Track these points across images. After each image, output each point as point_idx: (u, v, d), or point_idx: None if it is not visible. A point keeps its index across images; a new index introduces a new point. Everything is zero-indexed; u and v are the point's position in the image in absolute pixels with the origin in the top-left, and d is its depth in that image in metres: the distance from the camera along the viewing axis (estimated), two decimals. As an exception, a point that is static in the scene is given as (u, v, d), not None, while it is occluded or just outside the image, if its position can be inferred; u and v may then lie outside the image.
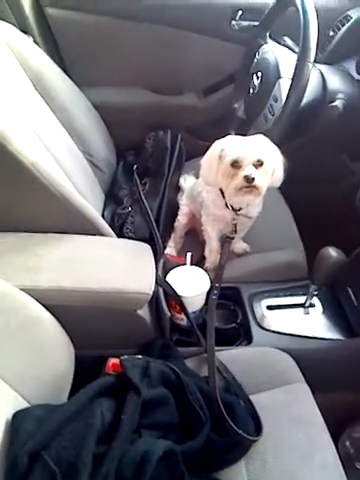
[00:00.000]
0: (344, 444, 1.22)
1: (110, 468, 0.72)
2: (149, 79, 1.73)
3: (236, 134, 1.39)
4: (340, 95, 1.20)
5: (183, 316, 1.14)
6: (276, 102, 1.20)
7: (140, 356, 0.93)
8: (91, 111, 1.63)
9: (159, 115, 1.76)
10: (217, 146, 1.14)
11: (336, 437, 1.20)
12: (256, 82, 1.31)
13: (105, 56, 1.66)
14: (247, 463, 0.88)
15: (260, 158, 1.09)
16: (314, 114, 1.21)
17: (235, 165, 1.09)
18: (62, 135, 1.34)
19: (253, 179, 1.07)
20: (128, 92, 1.74)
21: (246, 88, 1.38)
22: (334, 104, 1.17)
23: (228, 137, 1.15)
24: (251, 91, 1.34)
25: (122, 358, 0.88)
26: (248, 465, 0.88)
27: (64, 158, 1.22)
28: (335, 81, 1.24)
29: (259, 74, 1.30)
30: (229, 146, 1.11)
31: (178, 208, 1.50)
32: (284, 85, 1.18)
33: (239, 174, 1.09)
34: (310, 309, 1.25)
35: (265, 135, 1.15)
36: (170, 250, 1.43)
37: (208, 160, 1.16)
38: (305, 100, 1.14)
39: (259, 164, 1.09)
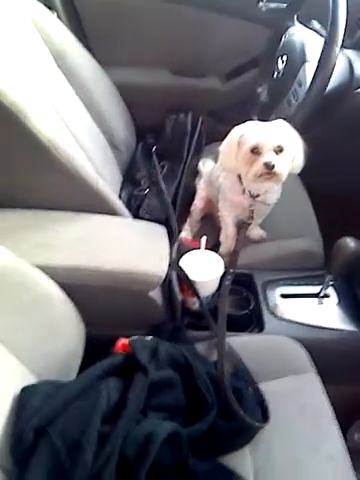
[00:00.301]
0: (352, 436, 1.21)
1: (114, 447, 0.72)
2: (172, 60, 1.71)
3: (258, 119, 1.38)
4: (368, 81, 1.17)
5: (195, 300, 1.14)
6: (300, 87, 1.18)
7: (150, 337, 0.93)
8: (112, 90, 1.62)
9: (180, 97, 1.74)
10: (237, 132, 1.12)
11: (345, 429, 1.20)
12: (281, 66, 1.29)
13: (128, 35, 1.64)
14: (252, 450, 0.88)
15: (280, 144, 1.07)
16: (339, 100, 1.18)
17: (255, 151, 1.07)
18: (82, 113, 1.33)
19: (273, 166, 1.06)
20: (150, 73, 1.73)
21: (270, 72, 1.36)
22: (360, 91, 1.15)
23: (248, 122, 1.13)
24: (275, 75, 1.32)
25: (131, 338, 0.89)
26: (253, 452, 0.88)
27: (83, 136, 1.21)
28: (363, 67, 1.21)
29: (284, 57, 1.27)
30: (249, 132, 1.09)
31: (195, 192, 1.48)
32: (310, 69, 1.16)
33: (259, 160, 1.07)
34: (325, 299, 1.23)
35: (288, 120, 1.13)
36: (186, 234, 1.42)
37: (227, 146, 1.14)
38: (331, 85, 1.12)
39: (279, 150, 1.07)
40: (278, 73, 1.30)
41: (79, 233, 1.03)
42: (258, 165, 1.07)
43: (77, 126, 1.20)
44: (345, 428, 1.20)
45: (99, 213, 1.09)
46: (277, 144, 1.06)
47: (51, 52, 1.26)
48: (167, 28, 1.63)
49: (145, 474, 0.71)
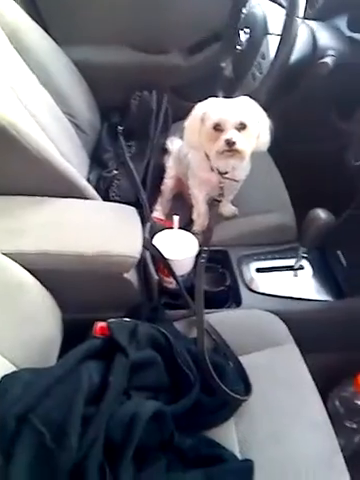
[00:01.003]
0: (333, 403, 1.24)
1: (99, 429, 0.72)
2: (132, 37, 1.67)
3: (223, 95, 1.36)
4: (330, 52, 1.17)
5: (172, 279, 1.13)
6: (264, 59, 1.17)
7: (128, 319, 0.92)
8: (72, 70, 1.58)
9: (143, 75, 1.70)
10: (199, 108, 1.11)
11: (325, 396, 1.23)
12: (243, 39, 1.26)
13: (85, 12, 1.60)
14: (237, 422, 0.89)
15: (243, 121, 1.06)
16: (303, 71, 1.18)
17: (217, 128, 1.07)
18: (42, 95, 1.29)
19: (234, 143, 1.05)
20: (111, 50, 1.68)
21: (233, 46, 1.34)
22: (324, 61, 1.14)
23: (210, 99, 1.12)
24: (238, 48, 1.30)
25: (109, 321, 0.88)
26: (238, 424, 0.89)
27: (45, 119, 1.17)
28: (325, 38, 1.21)
29: (246, 30, 1.25)
30: (211, 109, 1.08)
31: (165, 171, 1.47)
32: (272, 42, 1.15)
33: (221, 138, 1.06)
34: (299, 271, 1.25)
35: (253, 94, 1.12)
36: (157, 213, 1.41)
37: (191, 123, 1.13)
38: (294, 57, 1.11)
39: (242, 127, 1.06)
40: (241, 46, 1.28)
41: (48, 218, 1.01)
42: (220, 142, 1.06)
43: (38, 108, 1.16)
44: (325, 395, 1.23)
45: (68, 197, 1.07)
46: (239, 121, 1.06)
47: (5, 32, 1.20)
48: (125, 3, 1.59)
49: (132, 453, 0.71)
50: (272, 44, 1.15)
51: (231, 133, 1.05)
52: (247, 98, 1.10)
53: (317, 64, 1.15)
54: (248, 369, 0.96)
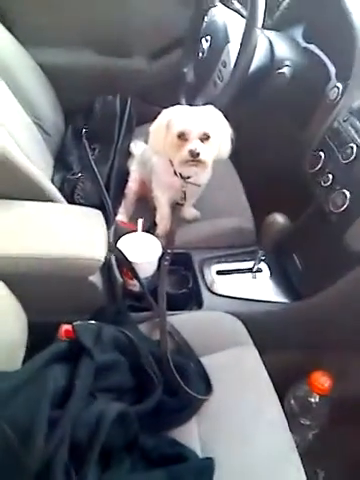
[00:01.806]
0: (289, 401, 1.28)
1: (65, 430, 0.73)
2: (95, 40, 1.68)
3: (186, 100, 1.39)
4: (287, 62, 1.21)
5: (135, 282, 1.15)
6: (225, 67, 1.20)
7: (93, 322, 0.94)
8: (37, 72, 1.57)
9: (107, 78, 1.71)
10: (165, 115, 1.13)
11: (282, 395, 1.27)
12: (205, 46, 1.30)
13: (51, 14, 1.59)
14: (199, 422, 0.92)
15: (206, 132, 1.09)
16: (262, 81, 1.22)
17: (182, 137, 1.10)
18: (6, 96, 1.27)
19: (198, 154, 1.08)
20: (75, 53, 1.68)
21: (195, 52, 1.37)
22: (281, 71, 1.19)
23: (176, 107, 1.15)
24: (200, 55, 1.33)
25: (74, 324, 0.89)
26: (199, 424, 0.92)
27: (8, 120, 1.16)
28: (282, 48, 1.25)
29: (208, 38, 1.28)
30: (176, 117, 1.11)
31: (128, 174, 1.48)
32: (233, 50, 1.18)
33: (185, 147, 1.09)
34: (258, 274, 1.29)
35: (214, 101, 1.15)
36: (121, 217, 1.42)
37: (156, 129, 1.15)
38: (253, 67, 1.15)
39: (205, 138, 1.10)
40: (203, 54, 1.31)
41: (12, 221, 1.01)
42: (184, 152, 1.09)
43: (3, 111, 1.15)
44: (282, 393, 1.28)
45: (32, 199, 1.07)
46: (203, 131, 1.09)
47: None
48: (89, 7, 1.59)
49: (97, 454, 0.73)
50: (233, 53, 1.18)
51: (195, 143, 1.08)
52: (211, 107, 1.13)
53: (275, 75, 1.20)
54: (209, 369, 0.99)
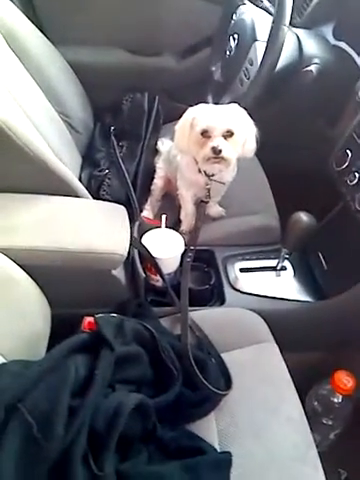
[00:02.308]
0: (311, 400, 1.27)
1: (84, 420, 0.74)
2: (126, 39, 1.70)
3: (213, 98, 1.40)
4: (315, 60, 1.21)
5: (158, 277, 1.16)
6: (251, 65, 1.20)
7: (115, 314, 0.95)
8: (68, 71, 1.60)
9: (136, 77, 1.73)
10: (189, 114, 1.14)
11: (304, 394, 1.27)
12: (233, 44, 1.30)
13: (81, 14, 1.62)
14: (217, 416, 0.93)
15: (230, 129, 1.09)
16: (289, 79, 1.21)
17: (205, 134, 1.10)
18: (37, 94, 1.31)
19: (220, 151, 1.08)
20: (105, 52, 1.71)
21: (223, 51, 1.37)
22: (308, 69, 1.18)
23: (200, 105, 1.15)
24: (228, 53, 1.33)
25: (96, 316, 0.90)
26: (218, 418, 0.92)
27: (39, 118, 1.20)
28: (311, 46, 1.25)
29: (236, 36, 1.29)
30: (200, 114, 1.11)
31: (155, 171, 1.50)
32: (260, 48, 1.18)
33: (207, 144, 1.10)
34: (281, 272, 1.29)
35: (240, 99, 1.15)
36: (147, 213, 1.44)
37: (180, 127, 1.16)
38: (280, 64, 1.15)
39: (229, 135, 1.10)
40: (230, 52, 1.32)
41: (39, 215, 1.03)
42: (206, 149, 1.10)
43: (32, 107, 1.18)
44: (304, 393, 1.27)
45: (59, 195, 1.09)
46: (226, 128, 1.09)
47: (2, 33, 1.23)
48: (120, 6, 1.61)
49: (115, 444, 0.74)
50: (260, 51, 1.18)
51: (218, 141, 1.08)
52: (236, 105, 1.13)
53: (302, 72, 1.19)
54: (229, 365, 0.99)
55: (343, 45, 1.31)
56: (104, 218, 1.08)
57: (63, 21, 1.62)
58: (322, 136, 1.37)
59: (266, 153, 1.30)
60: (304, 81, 1.20)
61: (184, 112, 1.16)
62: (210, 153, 1.09)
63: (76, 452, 0.72)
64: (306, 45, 1.23)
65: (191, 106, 1.16)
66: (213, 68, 1.45)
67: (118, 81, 1.72)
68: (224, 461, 0.83)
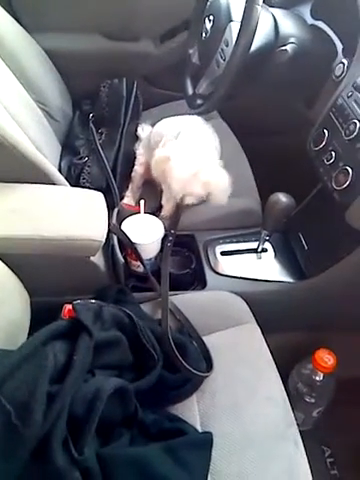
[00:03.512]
0: (294, 380, 1.29)
1: (63, 405, 0.74)
2: (103, 24, 1.67)
3: (192, 82, 1.38)
4: (292, 39, 1.19)
5: (139, 263, 1.16)
6: (227, 46, 1.18)
7: (93, 301, 0.95)
8: (44, 58, 1.57)
9: (115, 62, 1.71)
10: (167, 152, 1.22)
11: (286, 374, 1.28)
12: (208, 26, 1.28)
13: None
14: (198, 398, 0.94)
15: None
16: (265, 59, 1.20)
17: None
18: (12, 82, 1.29)
19: None
20: (82, 38, 1.68)
21: (199, 32, 1.35)
22: (284, 48, 1.17)
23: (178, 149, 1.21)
24: (204, 35, 1.32)
25: (75, 303, 0.90)
26: (199, 400, 0.93)
27: (15, 106, 1.17)
28: (288, 25, 1.23)
29: (211, 17, 1.27)
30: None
31: (135, 158, 1.49)
32: (235, 29, 1.16)
33: None
34: (262, 254, 1.29)
35: (217, 81, 1.14)
36: (128, 200, 1.43)
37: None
38: (256, 44, 1.13)
39: None
40: (206, 34, 1.30)
41: (15, 203, 1.01)
42: None
43: (7, 96, 1.15)
44: (286, 373, 1.29)
45: (35, 183, 1.08)
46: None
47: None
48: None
49: (95, 428, 0.75)
50: (235, 31, 1.16)
51: None
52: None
53: (277, 52, 1.18)
54: (211, 347, 1.00)
55: (321, 24, 1.30)
56: (81, 205, 1.07)
57: (37, 7, 1.58)
58: (301, 117, 1.37)
59: (248, 136, 1.29)
60: (280, 61, 1.18)
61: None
62: None
63: (56, 437, 0.72)
64: (282, 25, 1.21)
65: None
66: (190, 51, 1.43)
67: (96, 67, 1.70)
68: (205, 441, 0.84)
